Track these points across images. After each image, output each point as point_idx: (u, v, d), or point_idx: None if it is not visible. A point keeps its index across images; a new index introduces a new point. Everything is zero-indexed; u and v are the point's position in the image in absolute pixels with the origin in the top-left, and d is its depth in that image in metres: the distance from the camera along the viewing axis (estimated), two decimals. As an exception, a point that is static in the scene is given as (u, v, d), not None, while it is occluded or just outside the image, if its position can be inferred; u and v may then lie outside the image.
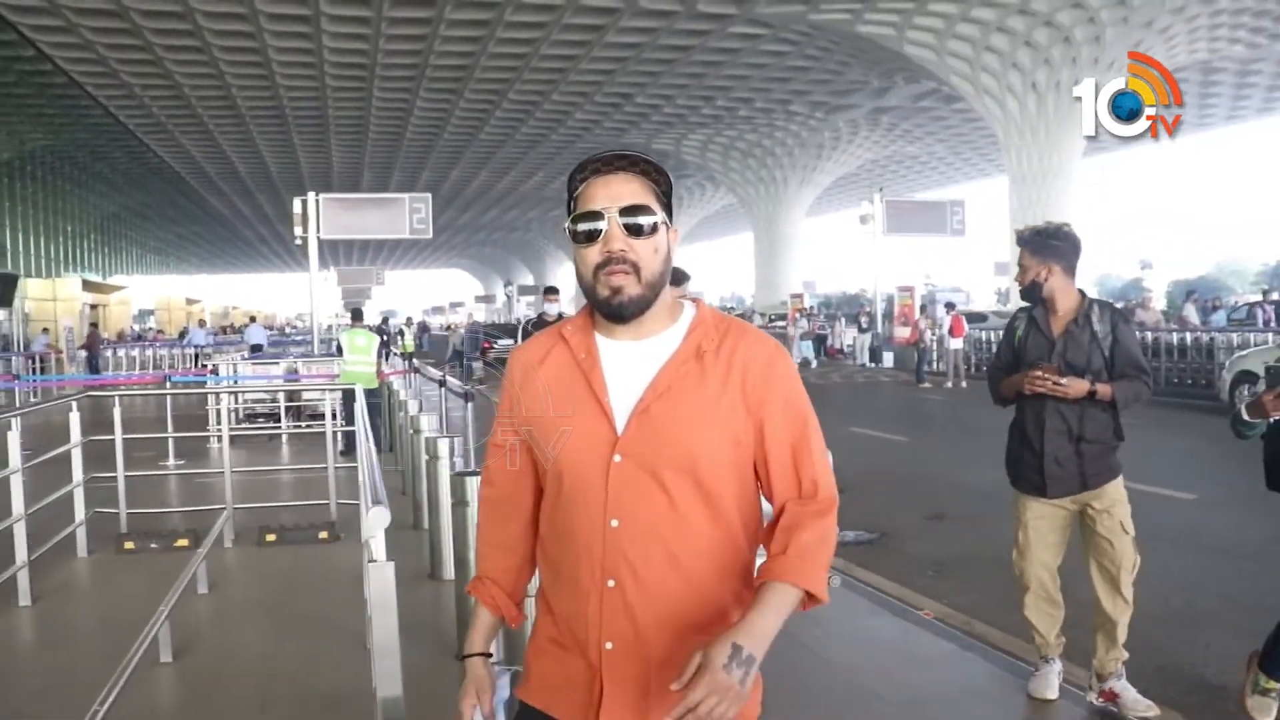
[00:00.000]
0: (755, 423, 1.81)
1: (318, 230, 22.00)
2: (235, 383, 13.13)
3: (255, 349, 27.41)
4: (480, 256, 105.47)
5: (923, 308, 34.01)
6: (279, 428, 12.61)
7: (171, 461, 11.00)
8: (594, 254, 1.78)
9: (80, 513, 6.93)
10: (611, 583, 1.76)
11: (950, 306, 28.04)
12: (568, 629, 1.83)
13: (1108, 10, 30.21)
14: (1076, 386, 4.25)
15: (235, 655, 5.07)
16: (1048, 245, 4.36)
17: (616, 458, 1.76)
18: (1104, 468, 4.36)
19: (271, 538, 7.31)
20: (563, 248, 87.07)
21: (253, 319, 51.51)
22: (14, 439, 5.86)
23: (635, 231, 1.77)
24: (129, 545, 7.13)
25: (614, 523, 1.75)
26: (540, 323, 9.20)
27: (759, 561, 1.83)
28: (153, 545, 7.14)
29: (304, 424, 12.62)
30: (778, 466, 1.82)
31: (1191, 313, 25.41)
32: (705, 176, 54.02)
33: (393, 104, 39.67)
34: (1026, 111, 33.61)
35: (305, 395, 13.02)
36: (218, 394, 11.04)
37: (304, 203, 22.14)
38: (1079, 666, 4.61)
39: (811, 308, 41.07)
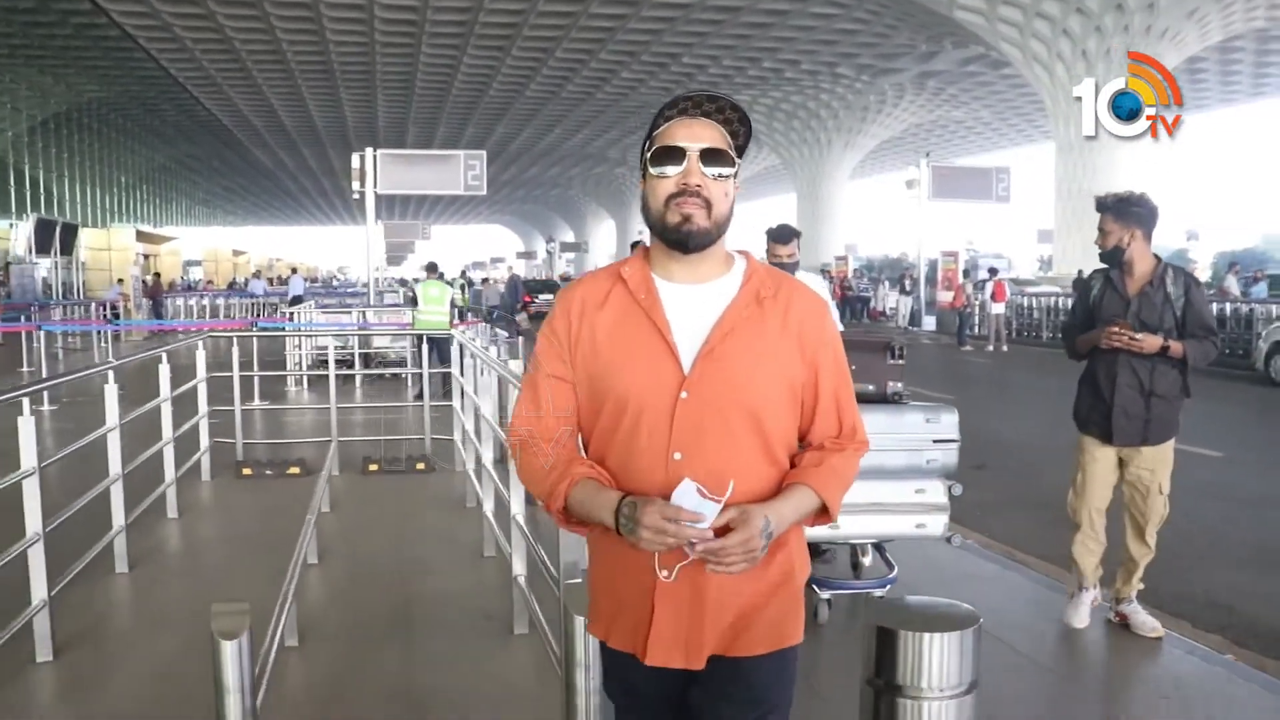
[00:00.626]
0: (810, 370, 1.95)
1: (375, 185, 22.71)
2: (321, 329, 13.99)
3: (295, 300, 28.28)
4: (522, 213, 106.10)
5: (965, 272, 34.45)
6: (353, 372, 13.42)
7: (257, 401, 11.85)
8: (669, 184, 1.89)
9: (205, 441, 7.75)
10: None
11: (993, 272, 28.48)
12: (624, 559, 1.90)
13: None
14: (1150, 342, 4.60)
15: (370, 560, 5.85)
16: (1130, 211, 4.68)
17: (683, 394, 1.86)
18: (1167, 424, 4.76)
19: (374, 467, 8.12)
20: (604, 205, 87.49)
21: (294, 270, 52.61)
22: (165, 372, 6.66)
23: (716, 175, 1.90)
24: (246, 471, 7.95)
25: (676, 455, 1.85)
26: None
27: None
28: (267, 472, 7.97)
29: (374, 369, 13.41)
30: (824, 409, 1.97)
31: (1233, 284, 25.75)
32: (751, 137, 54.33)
33: (440, 60, 40.14)
34: (1076, 78, 33.57)
35: (376, 342, 13.78)
36: (309, 338, 11.85)
37: (362, 158, 22.83)
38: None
39: (826, 269, 41.50)
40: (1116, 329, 4.63)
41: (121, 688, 4.09)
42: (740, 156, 1.95)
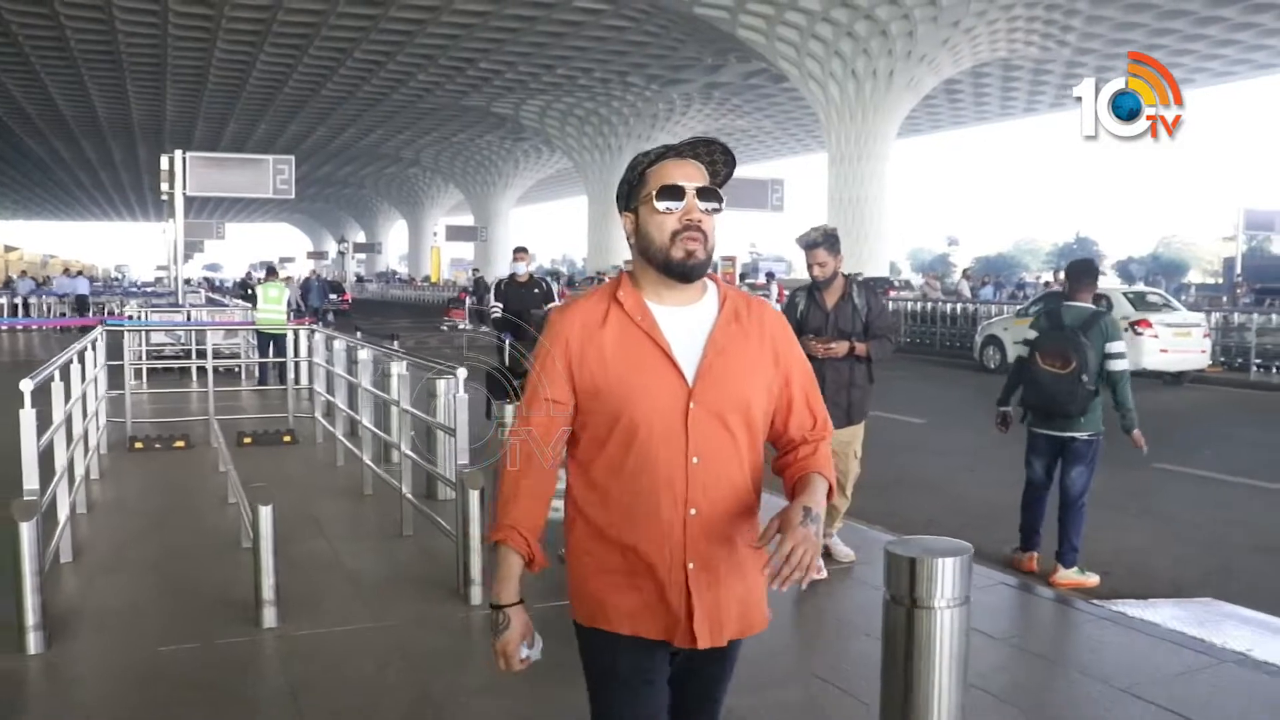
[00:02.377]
0: (783, 374, 2.24)
1: (184, 187, 23.37)
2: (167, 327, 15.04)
3: (81, 301, 28.32)
4: (312, 212, 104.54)
5: (743, 275, 37.29)
6: (188, 363, 14.56)
7: (146, 386, 12.96)
8: (672, 221, 2.11)
9: (103, 420, 9.08)
10: (694, 511, 2.10)
11: (770, 276, 31.23)
12: (642, 558, 2.12)
13: (920, 9, 33.27)
14: (840, 348, 5.80)
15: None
16: (836, 244, 5.91)
17: (692, 405, 2.09)
18: (862, 407, 6.00)
19: (248, 440, 9.60)
20: (397, 206, 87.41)
21: (66, 270, 51.11)
22: (101, 355, 8.03)
23: (710, 211, 2.14)
24: (139, 445, 9.31)
25: (695, 460, 2.09)
26: (512, 282, 10.30)
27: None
28: (156, 445, 9.34)
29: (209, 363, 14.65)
30: (798, 407, 2.26)
31: (965, 287, 29.36)
32: (542, 140, 55.91)
33: (235, 56, 40.07)
34: (846, 96, 36.62)
35: (211, 338, 14.97)
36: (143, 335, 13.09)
37: (171, 160, 23.44)
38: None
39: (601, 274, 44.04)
40: (816, 343, 5.77)
41: None
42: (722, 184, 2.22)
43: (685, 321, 2.16)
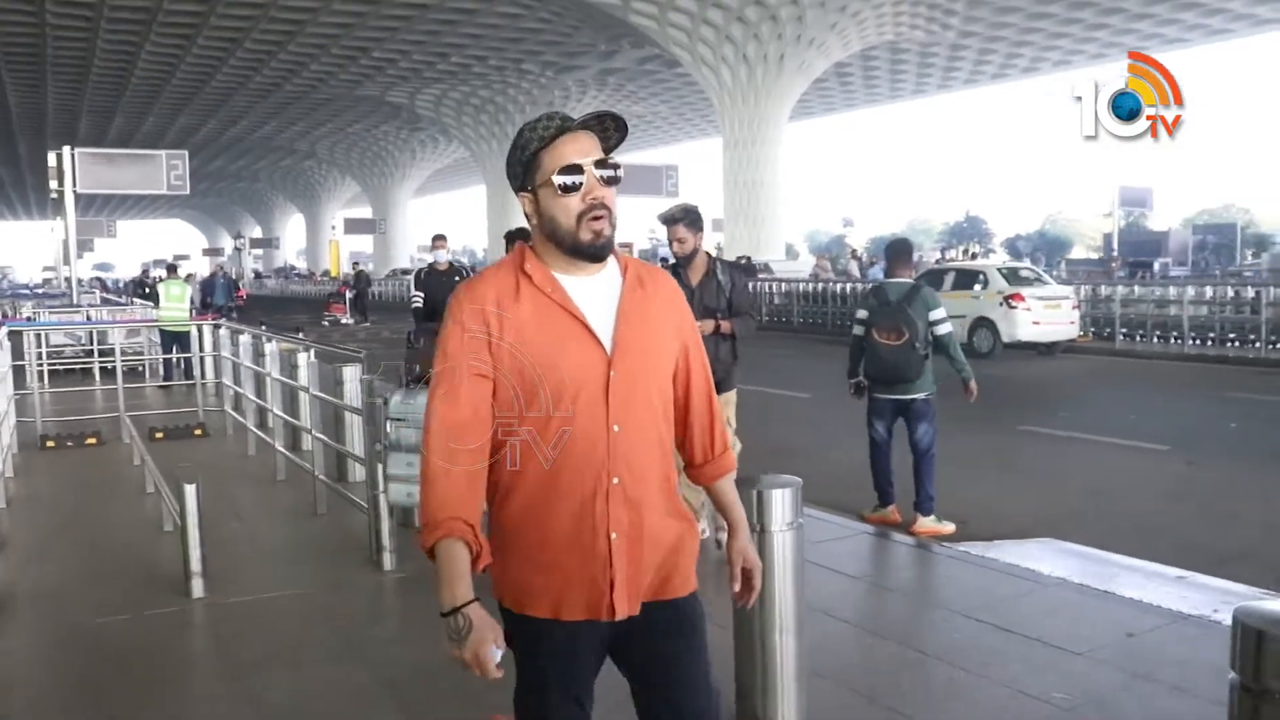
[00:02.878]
0: (683, 341, 2.26)
1: (75, 184, 23.14)
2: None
3: None
4: (205, 207, 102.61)
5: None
6: (90, 363, 14.67)
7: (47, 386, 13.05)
8: (576, 202, 2.08)
9: (12, 420, 9.32)
10: (616, 480, 2.09)
11: (664, 261, 31.90)
12: (567, 532, 2.09)
13: None
14: (706, 326, 5.68)
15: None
16: (697, 220, 5.95)
17: (612, 374, 2.09)
18: (729, 384, 5.97)
19: (160, 435, 9.91)
20: (293, 199, 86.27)
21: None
22: (6, 355, 8.28)
23: (609, 182, 2.12)
24: (50, 444, 9.56)
25: (616, 428, 2.09)
26: (432, 271, 9.85)
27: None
28: (69, 443, 9.61)
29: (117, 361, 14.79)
30: (697, 374, 2.28)
31: (854, 268, 30.41)
32: (439, 130, 55.95)
33: (119, 46, 39.57)
34: (739, 80, 37.36)
35: (110, 340, 15.09)
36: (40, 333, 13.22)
37: (59, 156, 23.18)
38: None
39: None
40: None
41: None
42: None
43: (593, 291, 2.16)
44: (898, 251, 7.12)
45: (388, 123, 57.80)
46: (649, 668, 2.21)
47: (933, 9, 37.03)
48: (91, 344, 14.46)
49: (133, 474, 8.24)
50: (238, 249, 67.26)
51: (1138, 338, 19.09)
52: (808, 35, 36.00)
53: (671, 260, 6.14)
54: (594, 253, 2.12)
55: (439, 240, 10.38)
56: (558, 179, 2.08)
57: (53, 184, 23.28)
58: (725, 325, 5.88)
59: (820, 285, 24.95)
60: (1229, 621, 2.09)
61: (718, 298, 5.94)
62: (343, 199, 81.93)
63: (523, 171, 2.16)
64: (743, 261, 28.08)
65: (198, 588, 5.31)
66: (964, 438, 9.10)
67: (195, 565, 5.31)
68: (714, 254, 6.29)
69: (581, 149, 2.10)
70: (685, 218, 5.90)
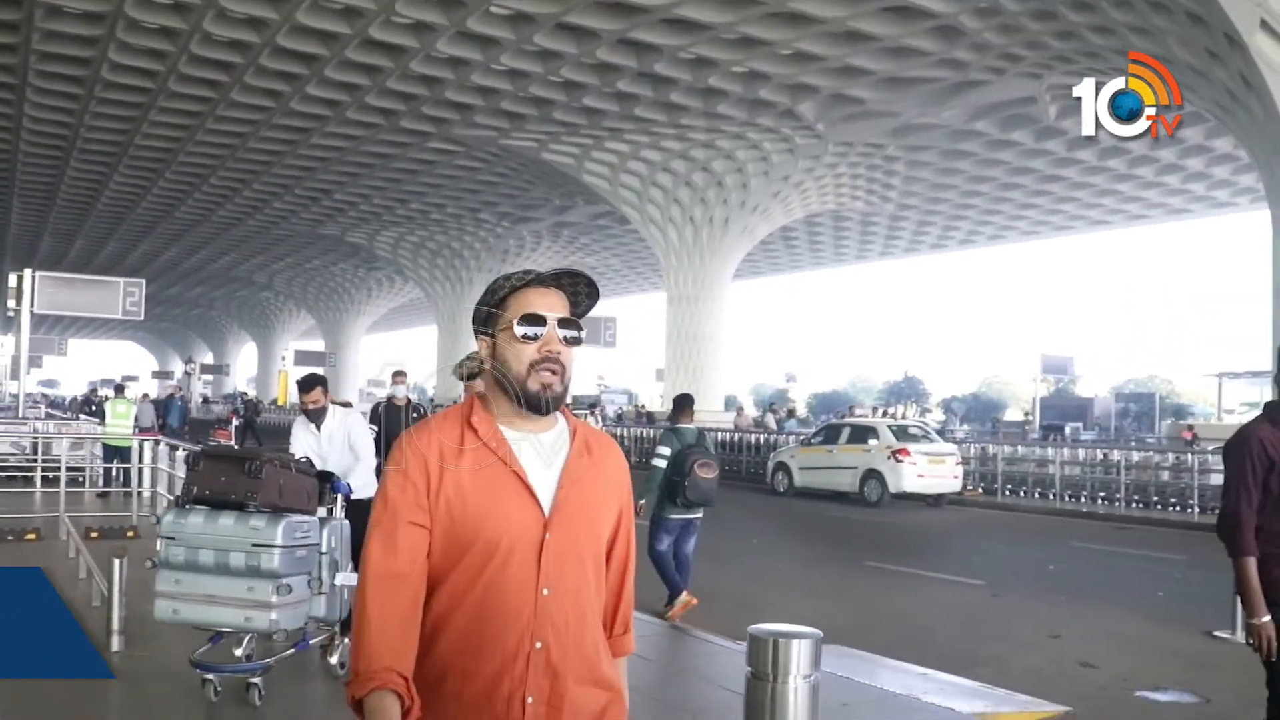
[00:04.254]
0: (618, 510, 2.31)
1: (32, 305, 24.55)
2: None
3: None
4: (158, 331, 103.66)
5: (592, 405, 39.49)
6: (33, 471, 15.86)
7: None
8: (531, 351, 2.16)
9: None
10: (539, 644, 2.10)
11: (592, 407, 33.46)
12: (481, 693, 2.10)
13: (752, 164, 36.26)
14: None
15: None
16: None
17: (547, 536, 2.13)
18: None
19: (95, 534, 11.16)
20: (247, 328, 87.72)
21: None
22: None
23: (570, 341, 2.21)
24: (-7, 537, 10.82)
25: (545, 591, 2.11)
26: (390, 405, 10.03)
27: None
28: (9, 537, 10.85)
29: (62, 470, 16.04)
30: (620, 550, 2.33)
31: (770, 420, 32.14)
32: (395, 270, 57.82)
33: (88, 175, 41.07)
34: (684, 240, 39.38)
35: (53, 451, 16.35)
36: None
37: (20, 278, 24.63)
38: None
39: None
40: None
41: None
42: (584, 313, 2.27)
43: (539, 450, 2.19)
44: (682, 402, 8.85)
45: (346, 260, 59.68)
46: None
47: (871, 182, 39.47)
48: (36, 454, 15.70)
49: (68, 565, 9.48)
50: (187, 373, 68.22)
51: (1022, 493, 20.80)
52: (751, 201, 38.10)
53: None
54: (539, 404, 2.16)
55: (399, 376, 10.61)
56: (518, 327, 2.16)
57: (10, 303, 24.69)
58: None
59: (737, 435, 26.70)
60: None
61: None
62: (296, 330, 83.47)
63: (486, 315, 2.25)
64: (418, 404, 29.78)
65: (116, 643, 6.61)
66: (813, 570, 10.59)
67: (115, 625, 6.63)
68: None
69: (548, 304, 2.20)
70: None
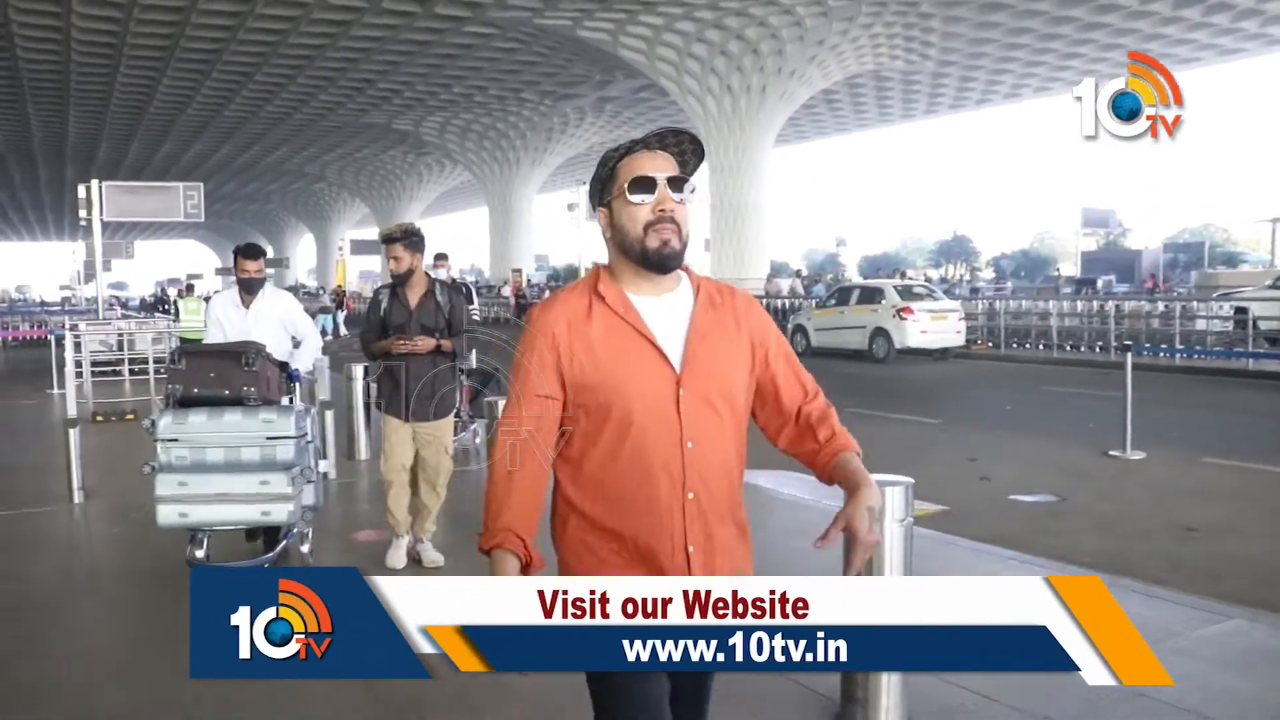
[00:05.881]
0: (761, 353, 2.39)
1: (101, 213, 26.88)
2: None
3: None
4: (217, 228, 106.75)
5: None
6: (119, 369, 18.29)
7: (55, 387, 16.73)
8: (645, 212, 2.26)
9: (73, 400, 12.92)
10: (691, 495, 2.25)
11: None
12: (641, 548, 2.26)
13: (787, 29, 36.98)
14: (425, 344, 6.08)
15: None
16: (415, 242, 6.18)
17: (682, 391, 2.25)
18: (449, 404, 6.46)
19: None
20: (304, 220, 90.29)
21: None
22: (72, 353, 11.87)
23: (680, 200, 2.28)
24: (99, 418, 13.16)
25: (689, 444, 2.25)
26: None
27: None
28: (113, 418, 13.20)
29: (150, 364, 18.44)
30: (785, 378, 2.42)
31: (797, 285, 33.66)
32: (444, 155, 59.48)
33: (139, 80, 42.91)
34: (723, 110, 40.28)
35: (137, 346, 18.77)
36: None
37: (88, 188, 26.92)
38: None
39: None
40: (401, 340, 6.08)
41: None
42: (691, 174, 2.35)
43: (665, 311, 2.31)
44: None
45: (395, 148, 61.41)
46: (685, 678, 2.39)
47: (909, 41, 39.99)
48: (122, 350, 18.12)
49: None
50: (248, 268, 70.90)
51: (1026, 345, 22.52)
52: (788, 67, 38.88)
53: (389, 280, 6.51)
54: (659, 261, 2.27)
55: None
56: (630, 193, 2.26)
57: (82, 213, 26.96)
58: (446, 344, 6.20)
59: (767, 301, 28.55)
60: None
61: (436, 318, 6.25)
62: (352, 220, 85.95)
63: (600, 186, 2.35)
64: (461, 283, 31.12)
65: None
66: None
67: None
68: (431, 275, 6.63)
69: (657, 165, 2.28)
70: (404, 238, 6.18)
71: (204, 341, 6.69)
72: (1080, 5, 36.21)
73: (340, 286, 44.70)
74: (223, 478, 5.61)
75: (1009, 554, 6.63)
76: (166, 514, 5.63)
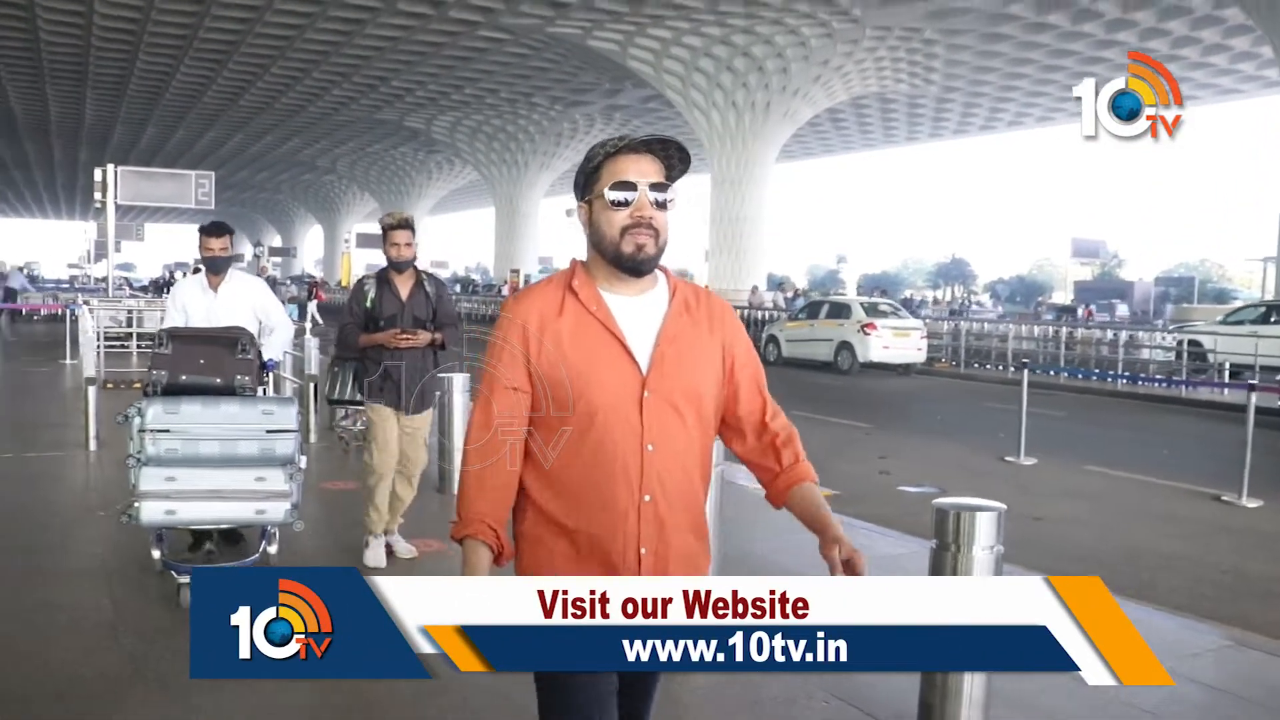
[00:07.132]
0: (729, 361, 2.44)
1: (115, 197, 28.43)
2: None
3: (9, 294, 33.74)
4: (226, 215, 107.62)
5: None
6: (128, 345, 19.86)
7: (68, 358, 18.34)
8: (623, 217, 2.30)
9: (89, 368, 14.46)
10: (648, 498, 2.30)
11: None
12: (595, 546, 2.31)
13: (792, 49, 38.29)
14: (424, 337, 6.12)
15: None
16: (414, 230, 6.19)
17: (646, 393, 2.29)
18: (432, 396, 6.63)
19: (184, 386, 14.99)
20: (313, 211, 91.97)
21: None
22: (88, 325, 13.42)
23: (660, 205, 2.32)
24: (109, 385, 14.72)
25: (650, 447, 2.29)
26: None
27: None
28: (121, 385, 14.76)
29: (145, 343, 19.98)
30: (746, 389, 2.48)
31: (766, 297, 34.83)
32: (453, 154, 60.71)
33: (156, 67, 44.24)
34: (727, 124, 41.58)
35: (145, 324, 20.35)
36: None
37: (104, 173, 28.47)
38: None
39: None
40: (404, 334, 6.04)
41: None
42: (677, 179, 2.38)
43: (638, 311, 2.36)
44: None
45: (405, 145, 62.64)
46: (635, 676, 2.47)
47: (913, 65, 41.09)
48: (131, 326, 19.70)
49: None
50: (256, 255, 72.47)
51: (987, 365, 24.04)
52: (792, 85, 40.08)
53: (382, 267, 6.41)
54: (633, 266, 2.33)
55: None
56: (609, 193, 2.31)
57: (97, 195, 28.52)
58: (439, 337, 6.23)
59: (745, 312, 29.93)
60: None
61: (426, 309, 6.25)
62: (361, 213, 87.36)
63: (584, 181, 2.40)
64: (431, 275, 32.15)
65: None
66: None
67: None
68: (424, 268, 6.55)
69: (640, 169, 2.33)
70: (411, 226, 6.24)
71: (162, 327, 6.22)
72: (1080, 40, 37.43)
73: (309, 274, 45.48)
74: (216, 473, 5.29)
75: (860, 523, 8.03)
76: (151, 511, 5.25)
